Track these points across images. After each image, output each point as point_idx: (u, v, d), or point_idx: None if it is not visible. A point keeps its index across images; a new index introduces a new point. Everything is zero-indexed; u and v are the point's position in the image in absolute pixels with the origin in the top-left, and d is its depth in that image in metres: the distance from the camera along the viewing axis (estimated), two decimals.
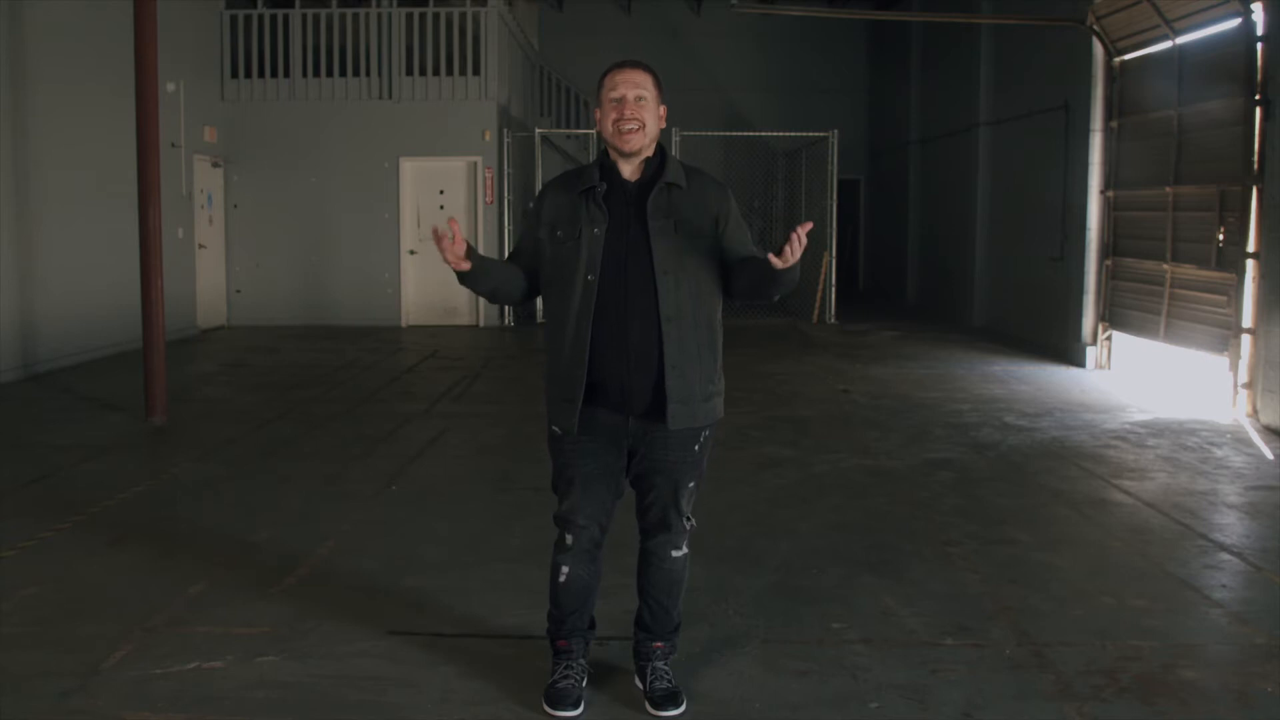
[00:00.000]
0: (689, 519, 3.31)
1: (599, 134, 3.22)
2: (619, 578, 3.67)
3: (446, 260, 3.06)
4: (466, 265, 3.09)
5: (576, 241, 3.12)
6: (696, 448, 3.24)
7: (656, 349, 3.09)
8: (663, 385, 3.10)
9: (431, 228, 3.10)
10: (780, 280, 3.09)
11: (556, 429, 3.23)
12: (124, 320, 9.84)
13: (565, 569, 3.28)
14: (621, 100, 3.12)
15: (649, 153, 3.19)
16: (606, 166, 3.19)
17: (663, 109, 3.21)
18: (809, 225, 3.01)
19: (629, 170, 3.18)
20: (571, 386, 3.13)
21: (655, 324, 3.09)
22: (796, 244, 2.96)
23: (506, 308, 14.25)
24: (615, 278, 3.09)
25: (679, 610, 3.39)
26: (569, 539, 3.27)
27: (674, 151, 14.19)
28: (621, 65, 3.19)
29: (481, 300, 14.40)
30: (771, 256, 3.00)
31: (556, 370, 3.19)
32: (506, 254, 3.22)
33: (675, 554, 3.30)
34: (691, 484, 3.27)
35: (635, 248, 3.10)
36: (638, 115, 3.12)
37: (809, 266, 15.67)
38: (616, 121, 3.11)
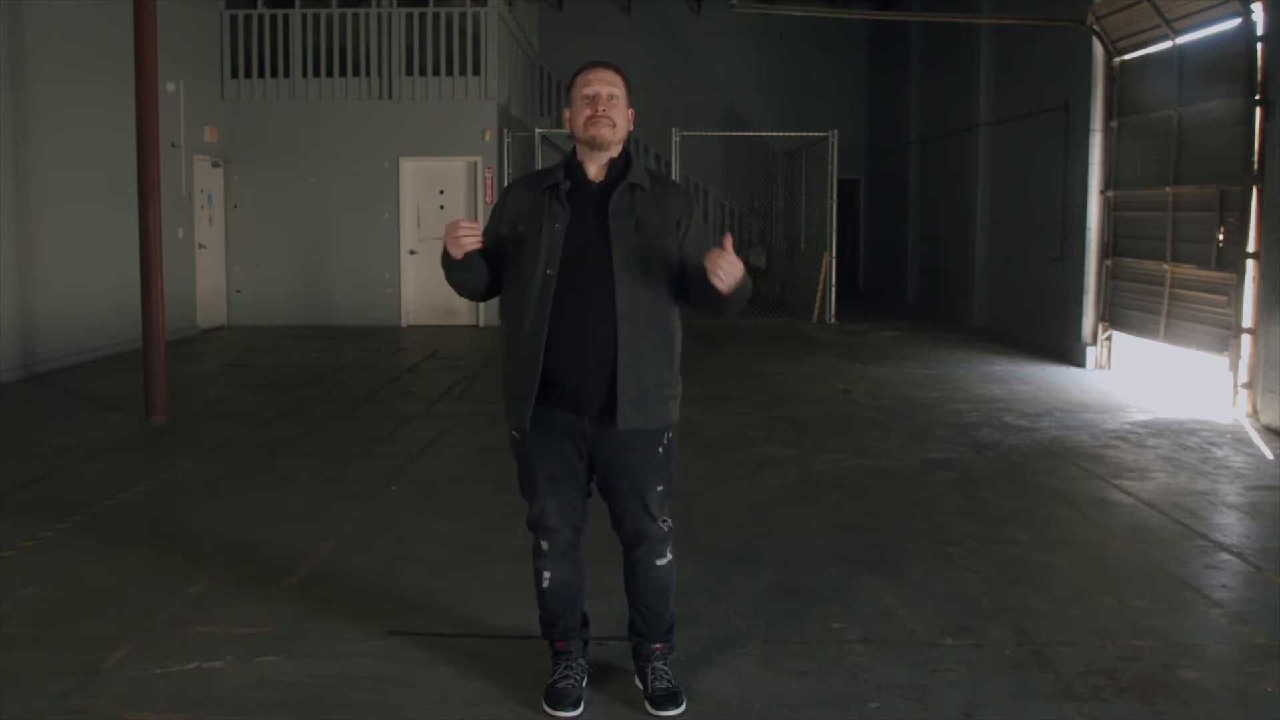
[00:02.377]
0: (665, 521, 3.27)
1: (569, 131, 3.23)
2: (615, 578, 3.65)
3: (448, 246, 3.10)
4: (460, 255, 3.12)
5: (537, 236, 3.13)
6: (660, 450, 3.21)
7: (612, 347, 3.09)
8: (615, 384, 3.09)
9: (457, 222, 3.13)
10: (729, 302, 3.07)
11: (516, 433, 3.23)
12: (124, 320, 9.84)
13: (547, 574, 3.28)
14: (595, 97, 3.14)
15: (616, 153, 3.20)
16: (572, 166, 3.21)
17: (630, 111, 3.23)
18: (727, 243, 2.99)
19: (594, 170, 3.19)
20: (526, 383, 3.12)
21: (612, 322, 3.09)
22: (720, 271, 2.95)
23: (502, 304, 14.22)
24: (574, 274, 3.09)
25: (671, 612, 3.37)
26: (545, 544, 3.27)
27: (674, 151, 14.21)
28: (594, 65, 3.21)
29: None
30: (712, 277, 2.97)
31: (513, 365, 3.19)
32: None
33: (659, 563, 3.27)
34: (660, 488, 3.23)
35: (595, 245, 3.11)
36: (610, 114, 3.13)
37: (810, 266, 15.70)
38: (590, 118, 3.13)
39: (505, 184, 14.02)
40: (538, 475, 3.22)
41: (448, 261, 3.19)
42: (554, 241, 3.11)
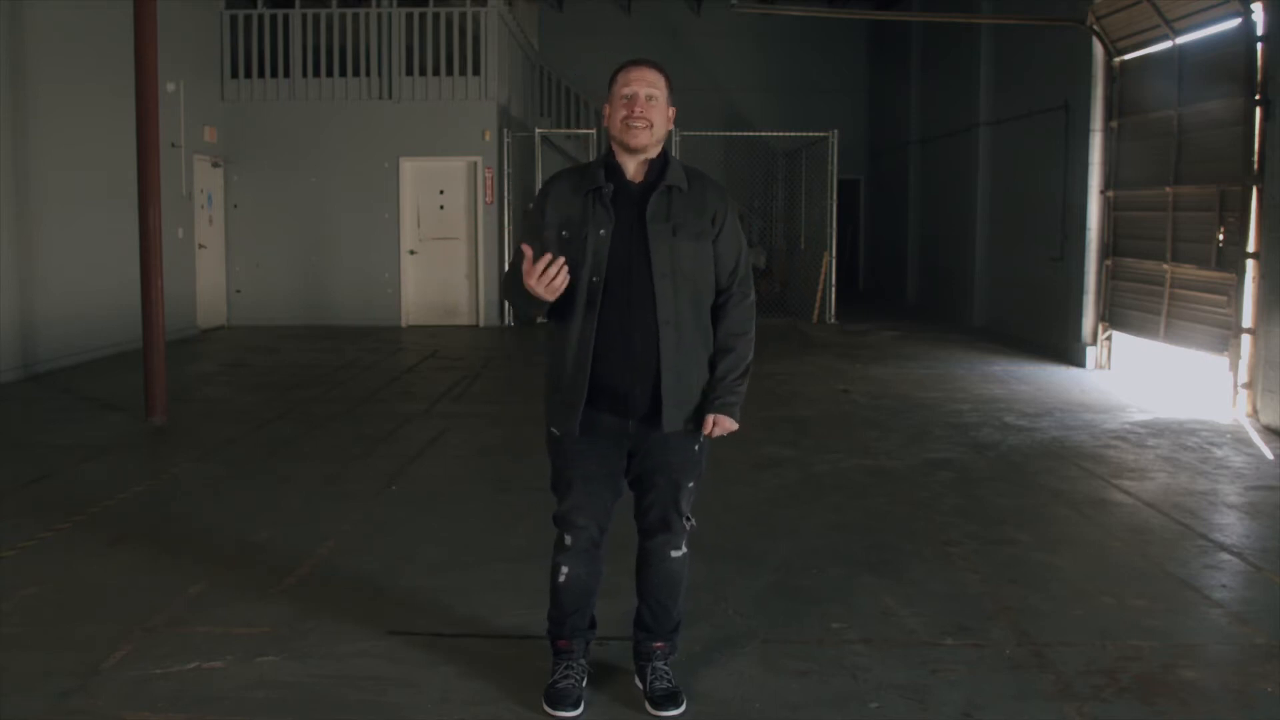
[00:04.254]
0: (688, 519, 3.30)
1: (606, 130, 3.21)
2: (619, 578, 3.66)
3: (538, 291, 2.97)
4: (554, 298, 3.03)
5: (583, 243, 3.10)
6: (697, 448, 3.24)
7: (655, 351, 3.10)
8: (659, 387, 3.10)
9: (536, 261, 2.98)
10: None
11: (555, 431, 3.23)
12: (124, 320, 9.84)
13: (565, 569, 3.28)
14: (633, 97, 3.12)
15: (654, 153, 3.19)
16: (611, 166, 3.18)
17: (671, 111, 3.21)
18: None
19: (633, 170, 3.18)
20: (574, 390, 3.12)
21: (654, 326, 3.09)
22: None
23: (506, 306, 14.26)
24: (619, 280, 3.09)
25: (679, 610, 3.38)
26: (568, 539, 3.27)
27: (675, 152, 14.18)
28: (636, 63, 3.19)
29: (481, 300, 14.48)
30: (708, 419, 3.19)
31: (558, 372, 3.18)
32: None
33: (675, 554, 3.29)
34: (691, 484, 3.27)
35: (637, 250, 3.10)
36: (647, 114, 3.12)
37: (810, 266, 15.70)
38: (626, 118, 3.11)
39: (506, 184, 14.06)
40: (574, 475, 3.22)
41: (527, 300, 3.05)
42: (599, 247, 3.09)
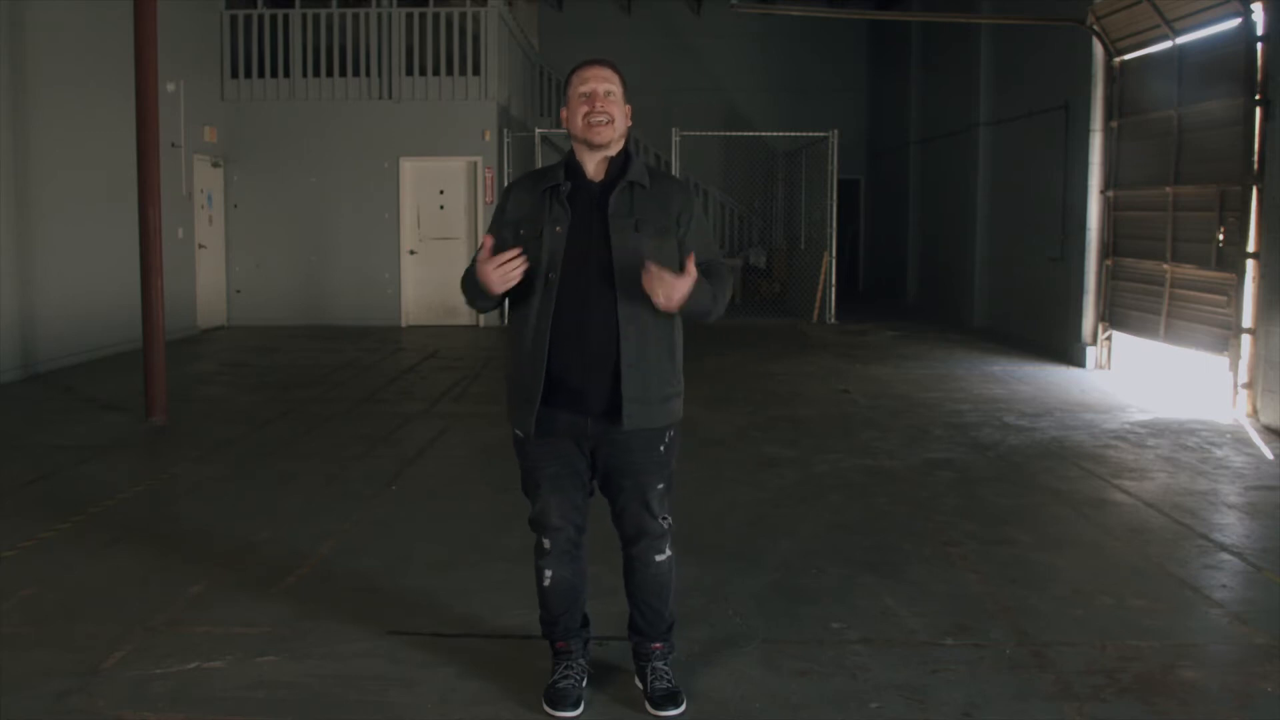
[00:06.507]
0: (665, 519, 3.27)
1: (567, 132, 3.23)
2: (619, 578, 3.65)
3: (490, 279, 3.02)
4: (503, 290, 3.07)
5: (538, 240, 3.11)
6: (662, 448, 3.21)
7: (615, 349, 3.09)
8: (619, 385, 3.09)
9: (492, 254, 3.05)
10: (691, 313, 3.13)
11: (519, 432, 3.22)
12: (124, 320, 9.84)
13: (548, 573, 3.28)
14: (591, 94, 3.13)
15: (615, 151, 3.19)
16: (571, 166, 3.20)
17: (628, 108, 3.22)
18: (689, 265, 3.03)
19: (593, 169, 3.18)
20: (531, 387, 3.12)
21: (614, 324, 3.08)
22: (660, 294, 2.98)
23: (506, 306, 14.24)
24: (576, 277, 3.09)
25: (671, 611, 3.36)
26: (547, 543, 3.26)
27: (673, 152, 14.22)
28: (589, 63, 3.21)
29: None
30: (653, 298, 3.00)
31: (517, 370, 3.18)
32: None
33: (659, 558, 3.27)
34: (660, 485, 3.23)
35: (596, 247, 3.10)
36: (607, 109, 3.13)
37: (810, 266, 15.70)
38: (587, 115, 3.12)
39: (505, 184, 14.06)
40: (540, 475, 3.21)
41: (479, 291, 3.11)
42: (555, 244, 3.10)
